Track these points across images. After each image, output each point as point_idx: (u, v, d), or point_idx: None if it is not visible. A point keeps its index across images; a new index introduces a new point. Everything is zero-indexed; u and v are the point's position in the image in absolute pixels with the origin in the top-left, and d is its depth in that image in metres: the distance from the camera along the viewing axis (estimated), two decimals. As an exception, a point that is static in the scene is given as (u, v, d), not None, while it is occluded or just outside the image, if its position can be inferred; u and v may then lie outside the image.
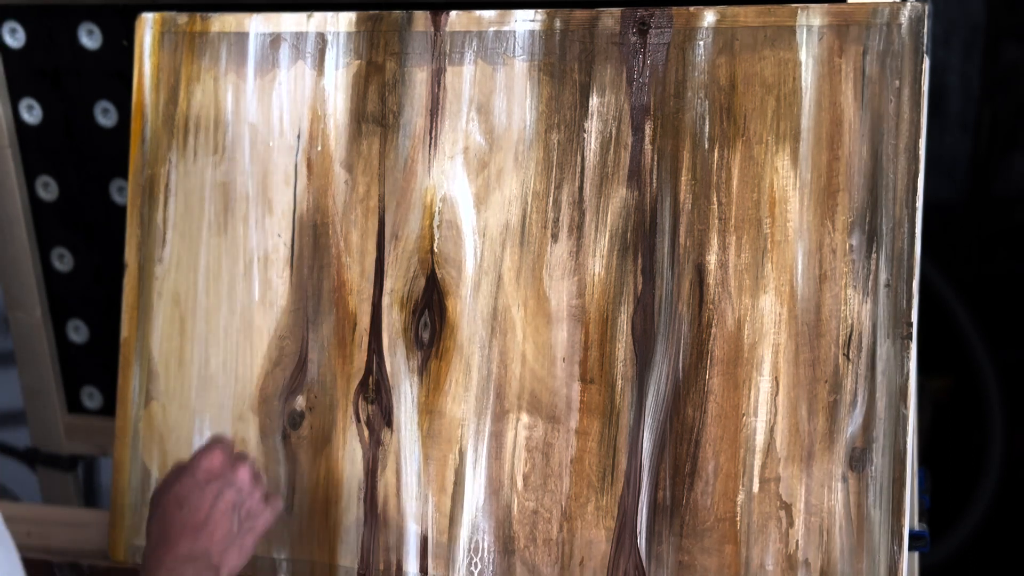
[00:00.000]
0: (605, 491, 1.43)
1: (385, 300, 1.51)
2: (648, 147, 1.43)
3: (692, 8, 1.42)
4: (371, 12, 1.53)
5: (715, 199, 1.40)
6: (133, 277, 1.61)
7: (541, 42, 1.47)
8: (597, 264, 1.44)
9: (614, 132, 1.44)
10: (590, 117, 1.45)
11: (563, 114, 1.46)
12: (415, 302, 1.50)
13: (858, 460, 1.35)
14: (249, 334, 1.56)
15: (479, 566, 1.47)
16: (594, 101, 1.45)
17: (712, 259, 1.40)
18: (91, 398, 1.92)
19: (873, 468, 1.34)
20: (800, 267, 1.38)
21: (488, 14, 1.49)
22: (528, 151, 1.47)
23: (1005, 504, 2.65)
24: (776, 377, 1.38)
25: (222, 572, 1.29)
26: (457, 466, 1.48)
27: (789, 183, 1.38)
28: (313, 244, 1.54)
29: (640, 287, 1.43)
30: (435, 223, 1.50)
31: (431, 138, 1.51)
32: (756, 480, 1.38)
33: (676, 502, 1.40)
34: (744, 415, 1.38)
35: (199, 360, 1.58)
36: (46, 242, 1.88)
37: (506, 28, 1.48)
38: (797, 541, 1.36)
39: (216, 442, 1.35)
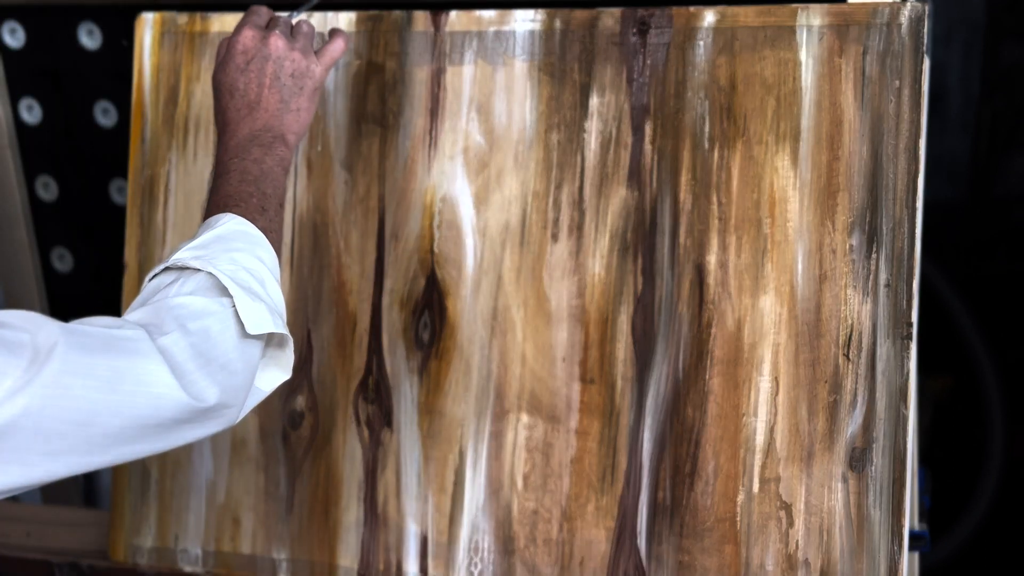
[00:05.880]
0: (605, 491, 1.43)
1: (385, 300, 1.51)
2: (648, 147, 1.43)
3: (692, 8, 1.42)
4: (371, 12, 1.53)
5: (715, 199, 1.40)
6: (133, 277, 1.61)
7: (541, 42, 1.47)
8: (597, 264, 1.44)
9: (614, 132, 1.44)
10: (590, 117, 1.45)
11: (563, 114, 1.46)
12: (415, 302, 1.50)
13: (858, 460, 1.35)
14: (249, 334, 1.56)
15: (479, 566, 1.47)
16: (594, 101, 1.45)
17: (712, 259, 1.40)
18: (91, 398, 1.92)
19: (873, 468, 1.34)
20: (800, 267, 1.38)
21: (488, 14, 1.49)
22: (528, 151, 1.47)
23: (1005, 504, 2.65)
24: (776, 377, 1.38)
25: (288, 138, 1.33)
26: (457, 466, 1.48)
27: (789, 183, 1.38)
28: (313, 244, 1.54)
29: (640, 287, 1.43)
30: (435, 223, 1.50)
31: (431, 138, 1.51)
32: (756, 480, 1.38)
33: (676, 502, 1.40)
34: (744, 415, 1.38)
35: (199, 360, 1.57)
36: (46, 242, 1.89)
37: (506, 28, 1.48)
38: (797, 541, 1.36)
39: (245, 21, 1.37)
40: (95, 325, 1.08)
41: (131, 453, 1.09)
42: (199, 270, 1.16)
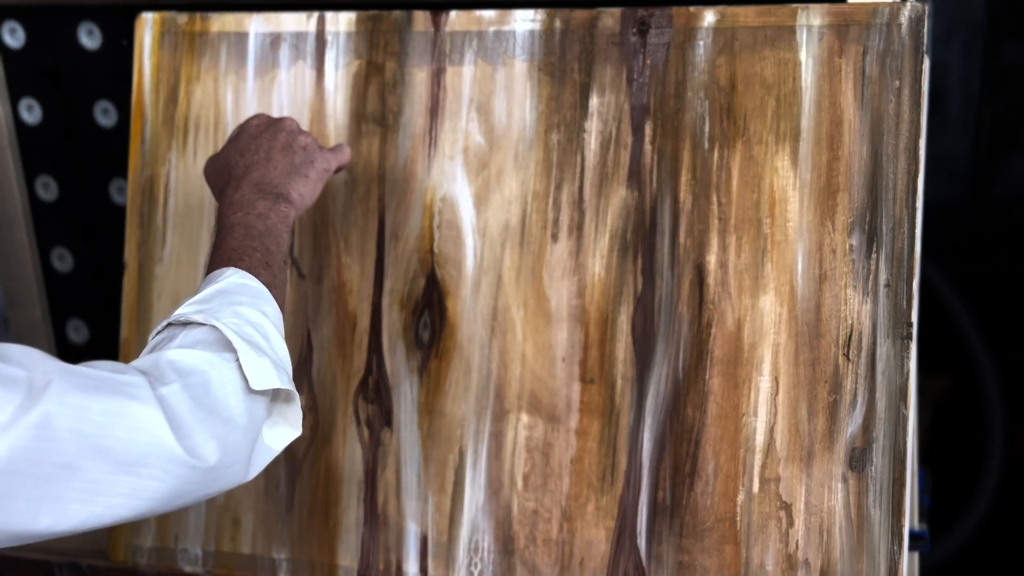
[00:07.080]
0: (605, 491, 1.43)
1: (385, 300, 1.51)
2: (648, 147, 1.43)
3: (692, 8, 1.42)
4: (371, 12, 1.53)
5: (715, 199, 1.40)
6: (133, 277, 1.61)
7: (541, 42, 1.47)
8: (597, 264, 1.44)
9: (614, 132, 1.44)
10: (590, 117, 1.45)
11: (563, 114, 1.46)
12: (415, 302, 1.50)
13: (858, 460, 1.35)
14: (249, 334, 1.56)
15: (479, 566, 1.47)
16: (594, 101, 1.45)
17: (712, 259, 1.40)
18: (91, 398, 1.92)
19: (873, 468, 1.34)
20: (800, 267, 1.38)
21: (488, 14, 1.49)
22: (528, 151, 1.47)
23: (1005, 504, 2.65)
24: (776, 377, 1.38)
25: (292, 197, 1.34)
26: (457, 466, 1.48)
27: (789, 183, 1.38)
28: (313, 244, 1.54)
29: (640, 287, 1.43)
30: (435, 223, 1.50)
31: (431, 138, 1.51)
32: (756, 480, 1.38)
33: (676, 502, 1.40)
34: (744, 415, 1.38)
35: (199, 360, 1.57)
36: (46, 242, 1.88)
37: (506, 28, 1.48)
38: (797, 541, 1.36)
39: (259, 114, 1.44)
40: (97, 368, 1.05)
41: (130, 509, 1.04)
42: (202, 324, 1.14)
